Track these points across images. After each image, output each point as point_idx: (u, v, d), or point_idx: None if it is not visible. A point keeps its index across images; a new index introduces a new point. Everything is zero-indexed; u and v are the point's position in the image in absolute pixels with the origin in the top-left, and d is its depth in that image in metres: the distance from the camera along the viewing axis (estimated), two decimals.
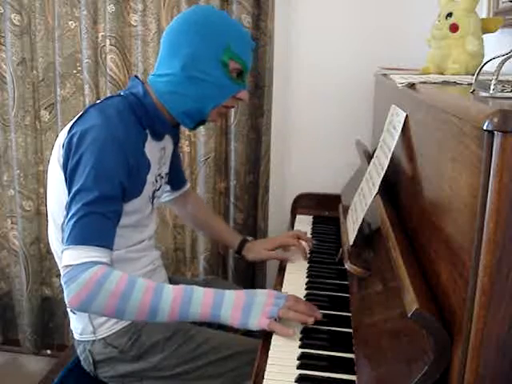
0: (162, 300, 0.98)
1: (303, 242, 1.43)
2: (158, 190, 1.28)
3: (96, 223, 1.00)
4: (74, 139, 1.06)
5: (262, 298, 1.02)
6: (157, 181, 1.25)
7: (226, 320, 1.00)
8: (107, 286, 0.96)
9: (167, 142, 1.28)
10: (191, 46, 1.12)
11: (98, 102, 1.17)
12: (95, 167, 1.02)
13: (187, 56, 1.13)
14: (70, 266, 0.97)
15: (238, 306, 1.01)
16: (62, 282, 0.98)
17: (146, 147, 1.17)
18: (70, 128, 1.10)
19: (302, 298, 1.18)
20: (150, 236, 1.29)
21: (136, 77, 1.23)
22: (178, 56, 1.13)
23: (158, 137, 1.21)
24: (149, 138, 1.18)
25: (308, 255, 1.42)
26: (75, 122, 1.11)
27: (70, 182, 1.06)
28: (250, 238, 1.50)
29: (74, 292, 0.96)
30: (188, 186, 1.53)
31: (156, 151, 1.22)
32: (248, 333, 1.32)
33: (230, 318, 1.00)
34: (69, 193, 1.04)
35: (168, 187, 1.45)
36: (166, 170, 1.32)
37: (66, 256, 0.99)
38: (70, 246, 0.99)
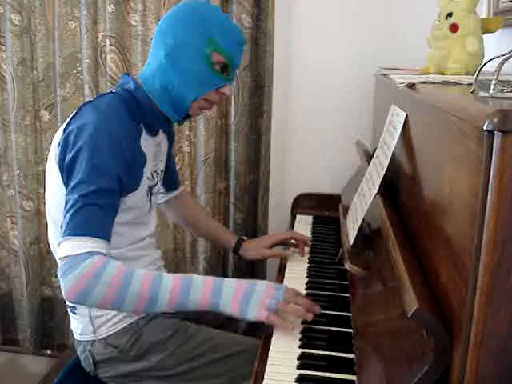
0: (160, 288, 0.98)
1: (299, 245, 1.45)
2: (155, 185, 1.28)
3: (94, 214, 1.00)
4: (70, 137, 1.06)
5: (261, 288, 1.03)
6: (153, 177, 1.25)
7: (225, 309, 1.01)
8: (105, 277, 0.95)
9: (162, 138, 1.29)
10: (175, 35, 1.13)
11: (92, 99, 1.18)
12: (92, 162, 1.02)
13: (170, 45, 1.13)
14: (68, 257, 0.96)
15: (237, 295, 1.01)
16: (59, 275, 0.96)
17: (141, 142, 1.17)
18: (66, 126, 1.11)
19: None
20: (151, 234, 1.29)
21: (127, 74, 1.24)
22: (163, 45, 1.14)
23: (152, 131, 1.22)
24: (143, 133, 1.19)
25: (308, 255, 1.42)
26: (70, 120, 1.11)
27: (67, 178, 1.06)
28: (245, 238, 1.50)
29: (71, 284, 0.94)
30: (182, 188, 1.53)
31: (151, 146, 1.23)
32: (248, 333, 1.32)
33: (230, 307, 1.01)
34: (66, 189, 1.05)
35: (162, 189, 1.45)
36: (161, 166, 1.32)
37: (64, 247, 0.97)
38: (67, 237, 0.97)
